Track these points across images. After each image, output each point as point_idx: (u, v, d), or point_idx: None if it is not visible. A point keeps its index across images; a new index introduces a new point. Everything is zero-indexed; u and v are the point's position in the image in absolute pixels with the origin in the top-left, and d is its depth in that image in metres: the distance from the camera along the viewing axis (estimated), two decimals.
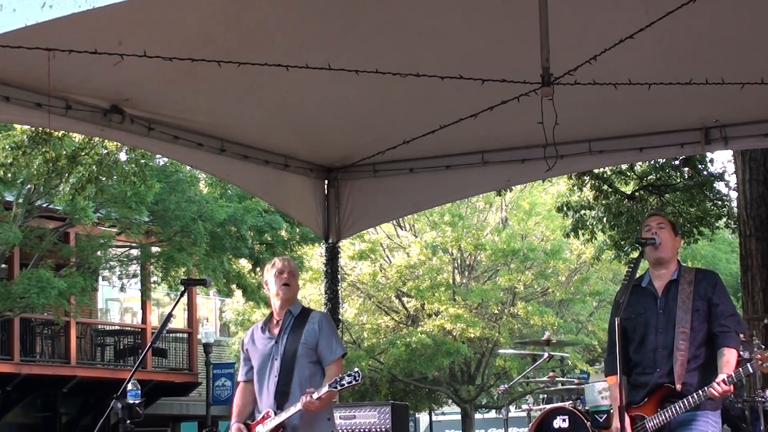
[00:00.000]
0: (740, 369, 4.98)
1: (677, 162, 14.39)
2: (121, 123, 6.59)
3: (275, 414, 5.67)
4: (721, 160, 37.29)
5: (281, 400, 5.68)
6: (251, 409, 5.94)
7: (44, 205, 18.63)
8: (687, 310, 5.17)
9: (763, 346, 4.99)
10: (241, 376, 6.03)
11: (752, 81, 6.15)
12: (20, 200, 17.95)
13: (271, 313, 5.92)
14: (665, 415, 5.09)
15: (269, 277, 5.84)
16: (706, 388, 5.00)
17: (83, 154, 14.71)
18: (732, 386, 5.00)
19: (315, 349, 5.72)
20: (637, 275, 5.41)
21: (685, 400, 5.04)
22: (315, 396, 5.49)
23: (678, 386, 5.09)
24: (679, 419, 5.09)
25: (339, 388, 5.48)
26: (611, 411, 5.24)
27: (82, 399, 23.73)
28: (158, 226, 19.76)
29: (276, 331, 5.83)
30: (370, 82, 6.14)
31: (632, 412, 5.16)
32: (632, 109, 6.95)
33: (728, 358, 5.04)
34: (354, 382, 5.46)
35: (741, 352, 5.43)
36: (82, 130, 7.37)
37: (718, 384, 4.94)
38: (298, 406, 5.54)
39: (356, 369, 5.55)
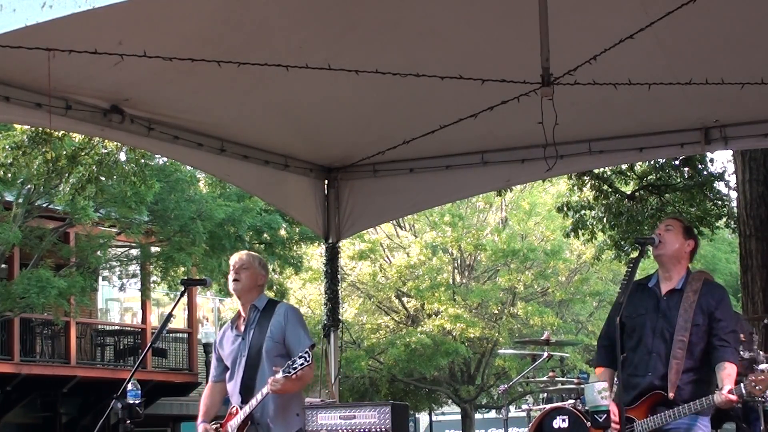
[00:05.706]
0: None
1: (677, 162, 14.38)
2: (121, 123, 6.59)
3: (241, 409, 5.64)
4: (721, 160, 37.08)
5: (246, 394, 5.64)
6: (218, 410, 5.91)
7: (44, 205, 18.63)
8: (688, 319, 5.12)
9: (760, 368, 4.95)
10: (211, 377, 6.00)
11: (752, 81, 6.14)
12: (20, 200, 17.95)
13: (239, 310, 5.89)
14: (656, 421, 5.06)
15: None
16: (703, 399, 4.97)
17: (83, 154, 14.72)
18: (737, 397, 4.96)
19: (282, 342, 5.66)
20: (645, 275, 5.40)
21: (679, 408, 5.00)
22: (279, 375, 5.37)
23: (671, 394, 5.06)
24: (672, 424, 5.05)
25: (293, 372, 5.34)
26: (610, 411, 5.20)
27: (82, 399, 23.72)
28: (158, 225, 19.76)
29: (242, 327, 5.80)
30: (370, 82, 6.13)
31: None
32: (632, 109, 6.94)
33: (729, 371, 5.00)
34: (305, 363, 5.34)
35: (741, 352, 5.40)
36: (82, 130, 7.37)
37: (727, 393, 4.91)
38: (264, 392, 5.47)
39: (306, 350, 5.42)
